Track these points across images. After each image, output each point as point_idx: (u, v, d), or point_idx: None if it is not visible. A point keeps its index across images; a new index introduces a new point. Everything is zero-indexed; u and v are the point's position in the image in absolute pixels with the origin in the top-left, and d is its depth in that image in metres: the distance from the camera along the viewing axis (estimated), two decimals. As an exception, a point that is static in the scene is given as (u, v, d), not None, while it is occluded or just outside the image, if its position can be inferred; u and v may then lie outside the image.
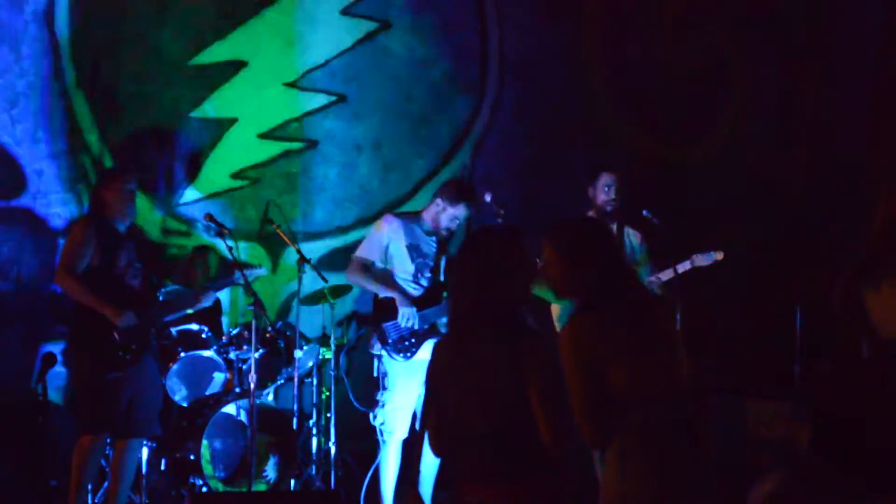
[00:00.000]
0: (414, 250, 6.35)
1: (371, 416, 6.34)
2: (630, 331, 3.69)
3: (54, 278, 6.20)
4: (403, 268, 6.33)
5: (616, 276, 3.82)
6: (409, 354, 6.22)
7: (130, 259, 6.23)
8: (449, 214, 6.39)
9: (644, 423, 3.61)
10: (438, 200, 6.42)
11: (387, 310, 6.26)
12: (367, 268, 6.35)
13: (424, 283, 6.37)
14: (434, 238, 6.47)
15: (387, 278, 6.34)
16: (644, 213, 7.09)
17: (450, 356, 3.85)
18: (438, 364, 3.91)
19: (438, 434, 3.87)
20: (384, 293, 6.30)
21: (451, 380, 3.81)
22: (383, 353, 6.27)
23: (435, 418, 3.87)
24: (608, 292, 3.76)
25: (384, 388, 6.28)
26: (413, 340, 6.24)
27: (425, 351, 6.18)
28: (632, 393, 3.61)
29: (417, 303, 6.29)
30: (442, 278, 6.49)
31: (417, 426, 6.30)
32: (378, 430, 6.32)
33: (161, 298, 6.69)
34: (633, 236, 7.00)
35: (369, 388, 6.53)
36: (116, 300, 6.05)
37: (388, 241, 6.34)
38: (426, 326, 6.27)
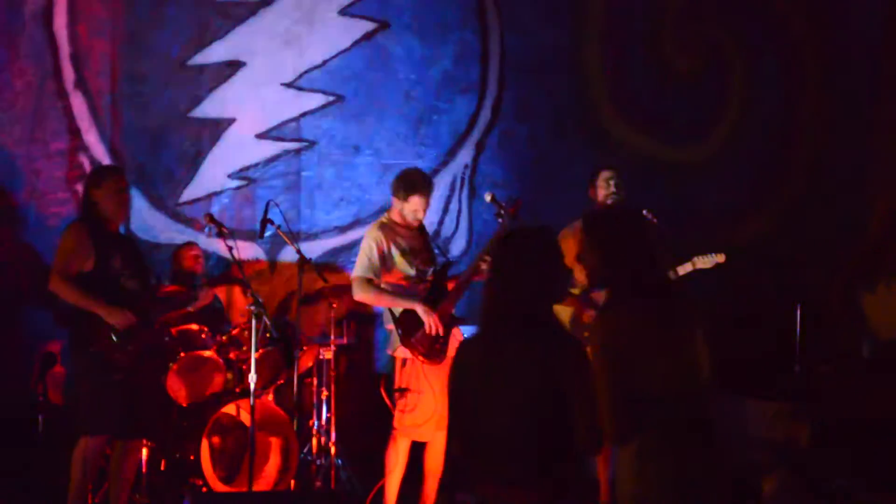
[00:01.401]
0: (409, 253, 6.33)
1: (397, 416, 6.29)
2: (659, 328, 3.67)
3: (48, 283, 6.10)
4: (406, 273, 6.32)
5: (648, 271, 3.80)
6: (442, 356, 6.21)
7: (125, 261, 6.16)
8: (408, 210, 6.36)
9: (664, 423, 3.60)
10: (394, 200, 6.39)
11: (411, 322, 6.22)
12: (373, 285, 6.29)
13: (430, 276, 6.37)
14: (417, 230, 6.46)
15: (400, 291, 6.30)
16: (644, 213, 7.08)
17: (480, 355, 3.82)
18: (466, 363, 3.89)
19: (463, 433, 3.85)
20: (403, 306, 6.25)
21: (483, 379, 3.77)
22: (408, 357, 6.25)
23: (460, 417, 3.86)
24: (639, 287, 3.74)
25: (407, 389, 6.25)
26: (441, 341, 6.23)
27: (451, 347, 6.19)
28: (655, 391, 3.60)
29: (431, 296, 6.27)
30: (445, 260, 6.49)
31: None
32: (396, 429, 6.28)
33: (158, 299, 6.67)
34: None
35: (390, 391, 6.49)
36: (112, 302, 6.00)
37: (385, 253, 6.29)
38: (446, 321, 6.26)
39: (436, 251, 6.61)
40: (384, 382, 6.52)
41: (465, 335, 6.10)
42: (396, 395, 6.29)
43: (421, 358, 6.19)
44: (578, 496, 3.78)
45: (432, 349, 6.20)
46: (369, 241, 6.32)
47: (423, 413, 6.21)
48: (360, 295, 6.34)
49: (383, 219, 6.45)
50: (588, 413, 3.62)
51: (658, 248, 3.97)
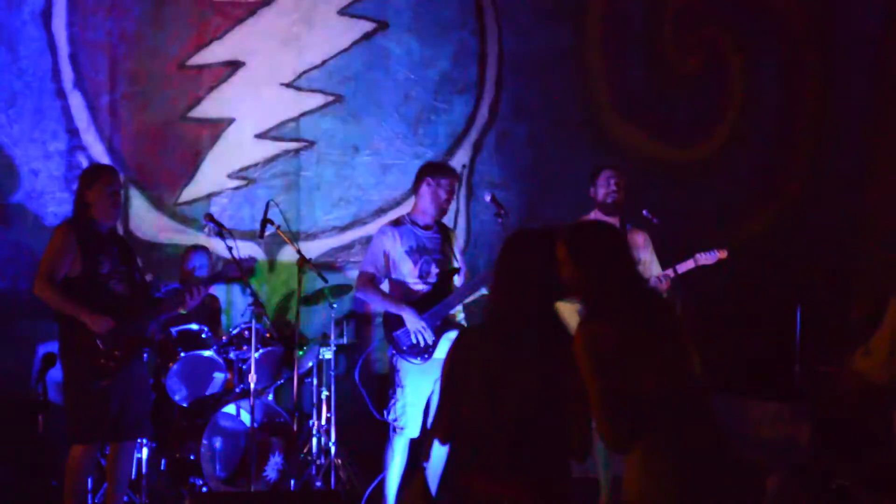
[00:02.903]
0: (415, 252, 6.35)
1: (385, 412, 6.32)
2: (642, 332, 3.69)
3: (33, 287, 6.01)
4: (409, 271, 6.33)
5: (626, 278, 3.83)
6: (427, 356, 6.22)
7: (114, 263, 6.07)
8: (444, 188, 6.39)
9: (664, 422, 3.60)
10: (429, 180, 6.40)
11: (395, 319, 6.25)
12: (372, 281, 6.35)
13: (433, 278, 6.37)
14: (434, 230, 6.46)
15: (393, 294, 6.33)
16: (644, 213, 7.09)
17: (484, 349, 3.84)
18: (464, 354, 3.91)
19: (456, 420, 3.86)
20: (391, 310, 6.29)
21: (485, 372, 3.79)
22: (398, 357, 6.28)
23: (451, 405, 3.87)
24: (618, 295, 3.76)
25: (399, 386, 6.27)
26: (427, 344, 6.24)
27: (441, 348, 6.21)
28: (649, 393, 3.61)
29: (428, 298, 6.28)
30: (454, 265, 6.49)
31: (429, 423, 6.32)
32: (391, 426, 6.30)
33: (157, 298, 6.63)
34: (635, 234, 6.99)
35: (381, 389, 6.50)
36: (99, 306, 5.95)
37: (386, 251, 6.33)
38: (438, 324, 6.26)
39: (456, 255, 6.60)
40: (359, 371, 6.54)
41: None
42: (390, 391, 6.32)
43: (403, 355, 6.22)
44: (573, 496, 3.79)
45: (416, 347, 6.22)
46: (378, 238, 6.40)
47: (405, 407, 6.25)
48: (359, 290, 6.47)
49: (403, 217, 6.50)
50: (581, 418, 3.66)
51: (633, 255, 4.03)
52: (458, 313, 6.44)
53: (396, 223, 6.45)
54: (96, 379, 5.88)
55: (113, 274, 6.04)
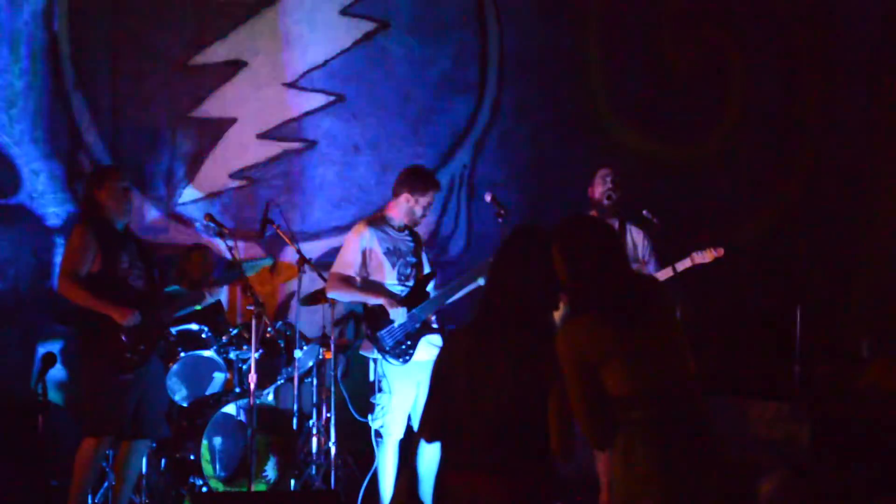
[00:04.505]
0: (393, 254, 6.34)
1: (370, 418, 6.32)
2: (627, 330, 3.67)
3: (57, 286, 6.09)
4: (387, 273, 6.33)
5: (615, 275, 3.81)
6: (407, 358, 6.23)
7: (132, 260, 6.16)
8: (421, 205, 6.38)
9: (647, 421, 3.60)
10: (407, 196, 6.37)
11: (378, 316, 6.25)
12: (346, 281, 6.31)
13: (410, 282, 6.38)
14: (407, 232, 6.47)
15: (370, 286, 6.31)
16: (644, 213, 7.09)
17: (471, 346, 3.86)
18: (452, 353, 3.93)
19: (442, 419, 3.87)
20: (371, 301, 6.28)
21: (470, 369, 3.81)
22: (380, 357, 6.28)
23: (438, 404, 3.88)
24: (606, 291, 3.75)
25: (380, 391, 6.28)
26: (409, 343, 6.25)
27: (421, 351, 6.23)
28: (631, 392, 3.61)
29: (408, 299, 6.29)
30: (426, 271, 6.50)
31: (415, 426, 6.33)
32: (374, 431, 6.32)
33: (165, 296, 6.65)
34: (635, 233, 7.00)
35: (364, 391, 6.51)
36: (121, 302, 6.00)
37: (364, 252, 6.31)
38: (418, 325, 6.27)
39: (425, 261, 6.61)
40: (343, 376, 6.54)
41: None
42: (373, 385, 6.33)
43: (385, 355, 6.22)
44: (557, 495, 3.80)
45: (397, 348, 6.23)
46: (353, 236, 6.35)
47: (389, 412, 6.27)
48: (332, 290, 6.45)
49: (378, 215, 6.48)
50: (562, 418, 3.66)
51: (625, 252, 3.99)
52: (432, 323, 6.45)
53: (372, 223, 6.41)
54: (120, 372, 5.93)
55: (131, 270, 6.12)
